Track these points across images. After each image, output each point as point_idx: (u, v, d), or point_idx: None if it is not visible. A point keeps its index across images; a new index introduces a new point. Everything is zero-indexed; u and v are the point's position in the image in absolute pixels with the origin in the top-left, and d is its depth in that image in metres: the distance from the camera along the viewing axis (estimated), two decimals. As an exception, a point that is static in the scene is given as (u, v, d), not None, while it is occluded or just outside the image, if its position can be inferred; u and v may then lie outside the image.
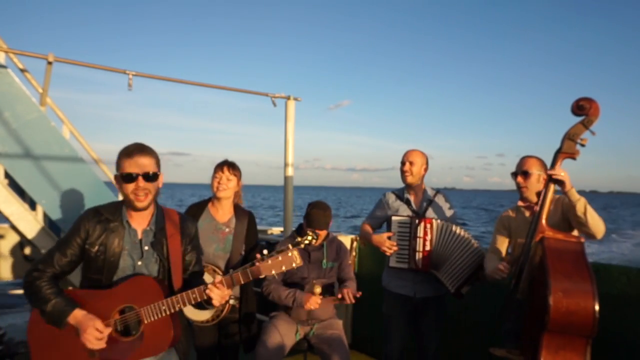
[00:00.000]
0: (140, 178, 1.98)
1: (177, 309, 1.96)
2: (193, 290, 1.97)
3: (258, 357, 2.85)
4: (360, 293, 2.90)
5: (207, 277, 2.76)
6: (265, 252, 2.68)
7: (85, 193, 3.81)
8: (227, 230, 2.96)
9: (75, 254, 2.01)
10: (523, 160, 2.69)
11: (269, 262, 1.99)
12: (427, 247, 3.03)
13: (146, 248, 2.06)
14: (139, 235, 2.07)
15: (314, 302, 2.84)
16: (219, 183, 2.93)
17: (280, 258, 2.00)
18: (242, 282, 2.00)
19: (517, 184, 2.68)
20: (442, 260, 3.04)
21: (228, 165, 2.97)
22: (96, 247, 2.00)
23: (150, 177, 2.00)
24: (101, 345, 1.91)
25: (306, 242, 2.58)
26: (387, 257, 3.21)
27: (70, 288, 2.12)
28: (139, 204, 2.01)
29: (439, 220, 3.07)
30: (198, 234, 2.29)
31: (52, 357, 1.99)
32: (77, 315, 1.92)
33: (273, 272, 1.99)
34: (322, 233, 3.07)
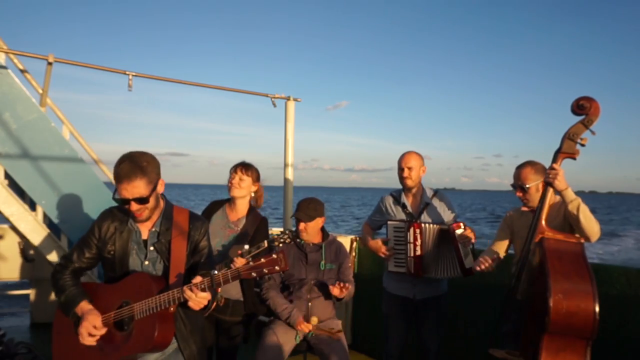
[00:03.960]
0: (132, 203, 2.00)
1: (165, 307, 1.92)
2: (178, 290, 1.93)
3: None
4: (348, 286, 2.91)
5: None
6: (246, 247, 2.68)
7: (85, 193, 3.81)
8: (235, 229, 2.98)
9: (92, 252, 2.14)
10: (518, 172, 2.67)
11: (251, 264, 1.91)
12: (418, 252, 3.02)
13: (151, 249, 2.12)
14: (144, 236, 2.14)
15: (306, 327, 2.93)
16: (231, 183, 2.98)
17: (263, 260, 1.90)
18: (222, 284, 1.91)
19: (518, 197, 2.68)
20: (433, 262, 3.05)
21: (242, 167, 3.02)
22: (108, 247, 2.11)
23: (142, 201, 2.01)
24: (91, 342, 2.00)
25: (281, 240, 2.59)
26: (386, 261, 3.22)
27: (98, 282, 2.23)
28: (139, 219, 2.09)
29: (427, 224, 3.06)
30: (209, 235, 2.28)
31: (70, 346, 2.09)
32: (83, 307, 2.05)
33: (253, 274, 1.90)
34: (308, 226, 3.04)
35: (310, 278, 3.07)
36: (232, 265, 2.60)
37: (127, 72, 3.75)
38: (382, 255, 3.16)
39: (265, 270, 1.90)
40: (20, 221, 3.66)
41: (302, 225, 3.05)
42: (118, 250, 2.10)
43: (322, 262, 3.10)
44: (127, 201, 2.01)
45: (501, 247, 2.81)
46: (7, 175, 3.63)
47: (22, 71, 3.86)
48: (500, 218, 3.18)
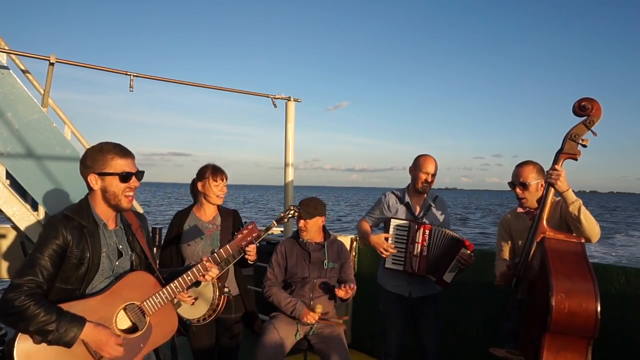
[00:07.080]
0: (134, 177, 2.00)
1: (177, 294, 2.07)
2: (187, 273, 2.10)
3: (257, 359, 2.84)
4: (353, 287, 2.98)
5: None
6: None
7: (86, 193, 3.82)
8: (212, 227, 3.00)
9: (56, 265, 1.84)
10: (519, 169, 2.66)
11: (239, 236, 2.34)
12: (424, 253, 3.06)
13: (121, 247, 2.05)
14: (113, 236, 2.05)
15: (312, 318, 2.93)
16: (216, 194, 2.97)
17: (245, 231, 2.36)
18: (225, 257, 2.29)
19: (516, 195, 2.67)
20: (436, 264, 3.08)
21: (220, 173, 2.99)
22: (78, 255, 1.88)
23: (141, 176, 2.04)
24: (121, 350, 1.87)
25: (289, 215, 2.78)
26: (382, 257, 3.24)
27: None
28: (127, 205, 2.00)
29: (440, 228, 3.11)
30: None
31: None
32: (87, 331, 1.81)
33: (243, 243, 2.35)
34: (307, 224, 3.07)
35: (313, 277, 3.08)
36: None
37: (129, 73, 3.75)
38: (384, 252, 3.15)
39: (249, 238, 2.36)
40: (22, 221, 3.66)
41: (301, 222, 3.07)
42: (92, 258, 1.90)
43: (325, 261, 3.11)
44: (129, 177, 1.97)
45: (507, 253, 2.82)
46: (9, 175, 3.63)
47: (23, 71, 3.86)
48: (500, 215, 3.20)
